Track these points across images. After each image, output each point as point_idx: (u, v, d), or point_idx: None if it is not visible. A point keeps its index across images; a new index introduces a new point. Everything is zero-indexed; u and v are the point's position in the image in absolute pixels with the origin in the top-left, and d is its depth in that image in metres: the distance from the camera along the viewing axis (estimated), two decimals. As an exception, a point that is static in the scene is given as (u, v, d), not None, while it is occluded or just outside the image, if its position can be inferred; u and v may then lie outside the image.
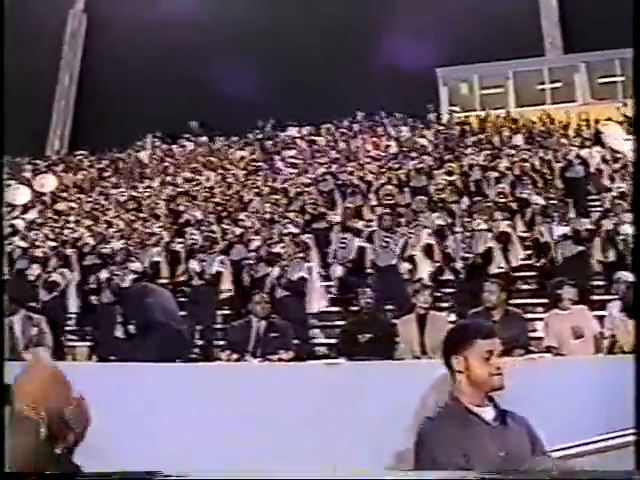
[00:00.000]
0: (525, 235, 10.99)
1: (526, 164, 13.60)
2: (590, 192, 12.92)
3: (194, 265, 10.61)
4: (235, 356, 7.22)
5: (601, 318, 7.38)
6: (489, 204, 11.60)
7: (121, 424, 5.38)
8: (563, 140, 15.96)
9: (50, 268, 11.36)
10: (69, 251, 12.47)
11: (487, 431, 2.55)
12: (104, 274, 11.01)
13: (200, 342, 9.95)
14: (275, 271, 10.03)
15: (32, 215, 16.47)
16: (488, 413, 2.60)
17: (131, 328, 7.52)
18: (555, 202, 10.92)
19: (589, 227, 10.12)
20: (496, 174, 13.44)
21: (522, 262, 10.94)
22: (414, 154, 16.57)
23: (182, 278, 10.81)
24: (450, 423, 2.58)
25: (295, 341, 8.90)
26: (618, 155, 13.89)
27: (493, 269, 9.69)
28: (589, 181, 13.06)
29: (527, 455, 2.49)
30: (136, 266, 10.73)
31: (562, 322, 6.99)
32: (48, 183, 18.85)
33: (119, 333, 7.87)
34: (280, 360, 6.77)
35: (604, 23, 19.76)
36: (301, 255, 10.29)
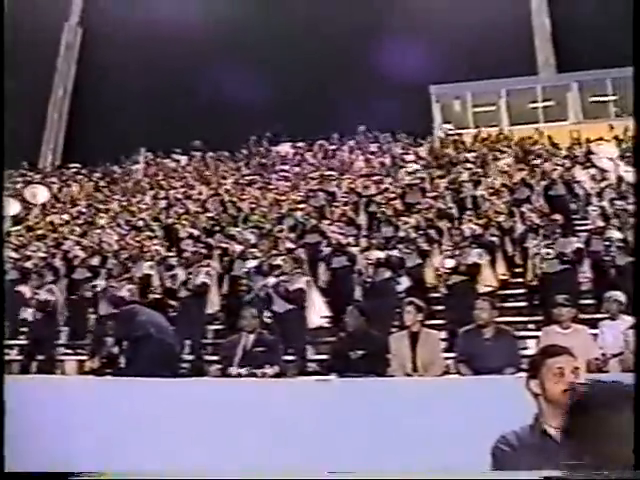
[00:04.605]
0: (512, 253, 11.03)
1: (516, 182, 13.73)
2: (575, 210, 12.97)
3: (183, 277, 10.60)
4: (217, 368, 7.27)
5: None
6: (479, 221, 11.68)
7: (111, 437, 5.35)
8: (555, 159, 15.99)
9: (39, 285, 11.25)
10: (58, 264, 12.44)
11: (559, 454, 2.58)
12: (98, 287, 11.00)
13: (190, 357, 9.91)
14: (271, 283, 10.02)
15: (23, 226, 16.46)
16: None
17: (125, 344, 7.55)
18: (542, 220, 10.94)
19: (577, 245, 10.14)
20: (488, 191, 13.50)
21: (511, 280, 11.00)
22: (407, 170, 16.65)
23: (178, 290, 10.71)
24: (523, 444, 2.64)
25: (291, 357, 8.94)
26: (607, 175, 13.97)
27: (481, 286, 9.74)
28: (572, 200, 13.06)
29: None
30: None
31: (561, 340, 6.97)
32: (40, 194, 18.83)
33: (113, 350, 7.90)
34: (264, 375, 6.77)
35: (597, 43, 19.95)
36: (299, 270, 10.29)
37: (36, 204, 18.34)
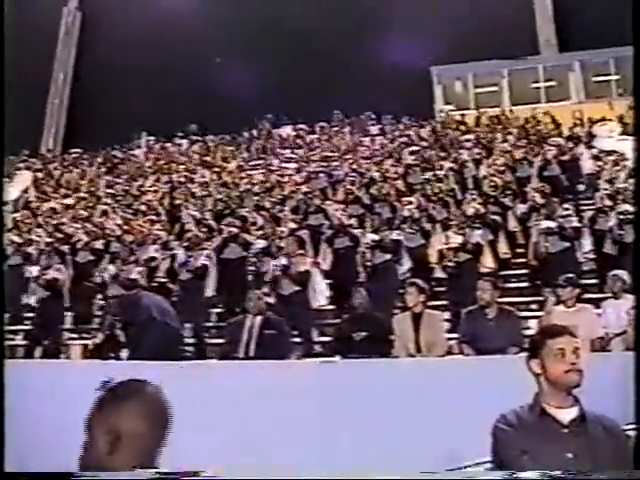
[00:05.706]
0: (515, 231, 11.03)
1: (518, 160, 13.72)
2: (571, 190, 12.92)
3: (186, 261, 10.60)
4: (220, 352, 7.34)
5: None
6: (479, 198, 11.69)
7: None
8: (551, 140, 15.85)
9: (45, 265, 11.31)
10: (64, 248, 12.45)
11: (559, 433, 2.60)
12: (102, 272, 11.04)
13: (193, 340, 9.93)
14: (276, 266, 10.02)
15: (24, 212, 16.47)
16: (566, 415, 2.63)
17: (129, 328, 7.59)
18: (544, 199, 10.91)
19: (575, 224, 10.11)
20: (490, 171, 13.48)
21: (514, 260, 11.00)
22: (409, 150, 16.62)
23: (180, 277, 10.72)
24: (523, 423, 2.65)
25: (298, 339, 8.96)
26: (609, 155, 13.91)
27: (482, 267, 9.75)
28: (570, 179, 13.00)
29: (603, 460, 2.51)
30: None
31: (566, 319, 6.96)
32: (23, 180, 19.07)
33: (116, 332, 7.94)
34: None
35: (599, 22, 19.81)
36: (302, 251, 10.30)
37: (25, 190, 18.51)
